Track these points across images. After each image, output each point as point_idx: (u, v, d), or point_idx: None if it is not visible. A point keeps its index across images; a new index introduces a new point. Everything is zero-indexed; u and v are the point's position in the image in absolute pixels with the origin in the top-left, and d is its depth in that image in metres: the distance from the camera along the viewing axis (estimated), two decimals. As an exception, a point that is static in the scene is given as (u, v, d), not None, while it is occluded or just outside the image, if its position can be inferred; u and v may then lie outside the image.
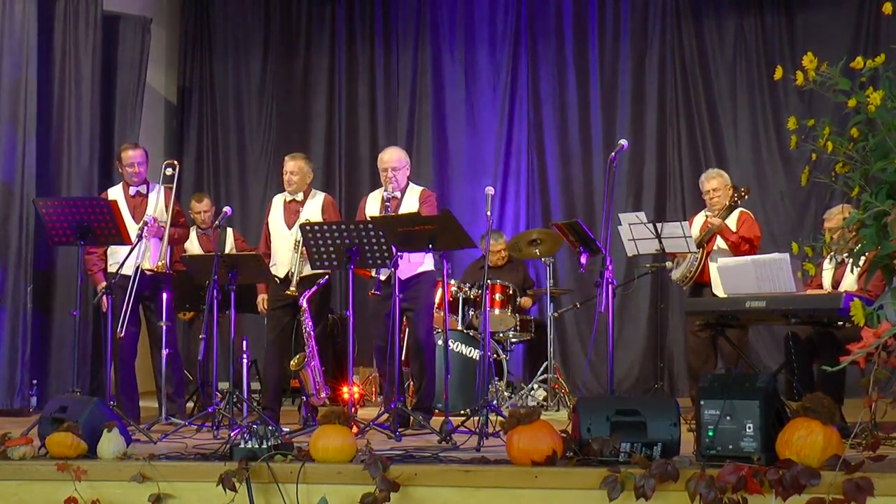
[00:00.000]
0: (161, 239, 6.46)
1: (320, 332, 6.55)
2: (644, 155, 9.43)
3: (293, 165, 6.58)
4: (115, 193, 6.70)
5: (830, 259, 4.57)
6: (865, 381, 3.52)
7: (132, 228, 6.34)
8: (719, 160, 9.08)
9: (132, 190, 6.70)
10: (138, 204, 6.63)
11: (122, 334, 6.31)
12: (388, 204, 6.23)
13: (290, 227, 6.47)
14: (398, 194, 6.30)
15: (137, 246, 6.25)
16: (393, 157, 6.37)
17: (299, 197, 6.57)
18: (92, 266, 6.64)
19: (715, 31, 9.43)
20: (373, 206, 6.41)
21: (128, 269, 6.23)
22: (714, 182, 7.07)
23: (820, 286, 5.94)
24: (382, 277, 6.23)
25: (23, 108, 7.54)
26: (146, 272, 6.41)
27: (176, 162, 6.76)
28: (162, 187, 6.64)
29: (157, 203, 6.58)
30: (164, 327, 6.45)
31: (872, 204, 3.62)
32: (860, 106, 3.73)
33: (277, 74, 10.18)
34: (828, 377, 5.07)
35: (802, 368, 5.61)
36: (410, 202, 6.30)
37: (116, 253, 6.45)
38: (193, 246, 7.75)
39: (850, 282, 5.74)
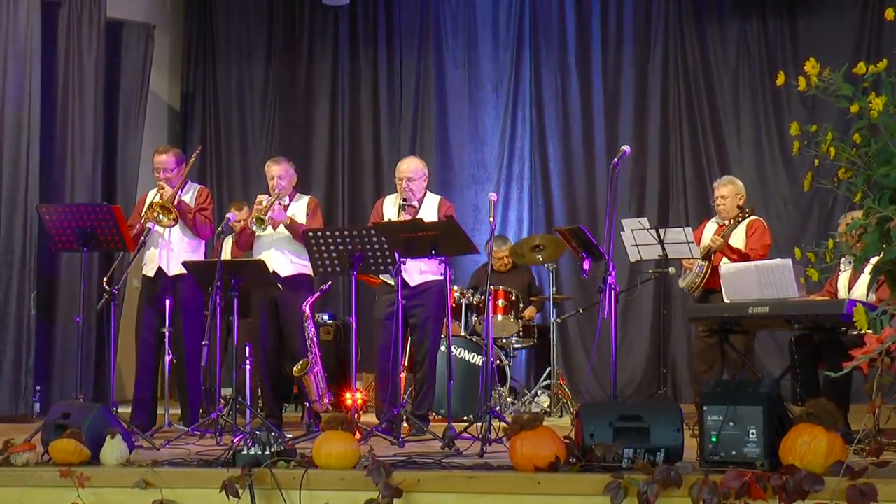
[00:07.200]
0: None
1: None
2: (647, 160, 9.42)
3: (280, 169, 6.45)
4: (151, 195, 6.61)
5: (847, 263, 4.54)
6: (868, 387, 3.52)
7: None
8: (722, 165, 9.08)
9: None
10: None
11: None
12: (406, 210, 6.15)
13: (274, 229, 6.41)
14: (416, 203, 6.23)
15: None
16: (410, 168, 6.31)
17: (285, 201, 6.47)
18: None
19: (717, 36, 9.42)
20: (390, 208, 6.35)
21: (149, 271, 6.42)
22: (724, 189, 7.06)
23: (832, 293, 5.89)
24: (391, 282, 6.16)
25: (26, 114, 7.56)
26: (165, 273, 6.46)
27: (199, 147, 6.84)
28: (193, 187, 6.63)
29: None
30: (166, 333, 6.46)
31: (875, 209, 3.62)
32: (863, 111, 3.72)
33: (280, 79, 10.20)
34: (834, 383, 5.05)
35: (807, 373, 5.59)
36: (430, 211, 6.24)
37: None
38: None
39: (863, 287, 5.67)
